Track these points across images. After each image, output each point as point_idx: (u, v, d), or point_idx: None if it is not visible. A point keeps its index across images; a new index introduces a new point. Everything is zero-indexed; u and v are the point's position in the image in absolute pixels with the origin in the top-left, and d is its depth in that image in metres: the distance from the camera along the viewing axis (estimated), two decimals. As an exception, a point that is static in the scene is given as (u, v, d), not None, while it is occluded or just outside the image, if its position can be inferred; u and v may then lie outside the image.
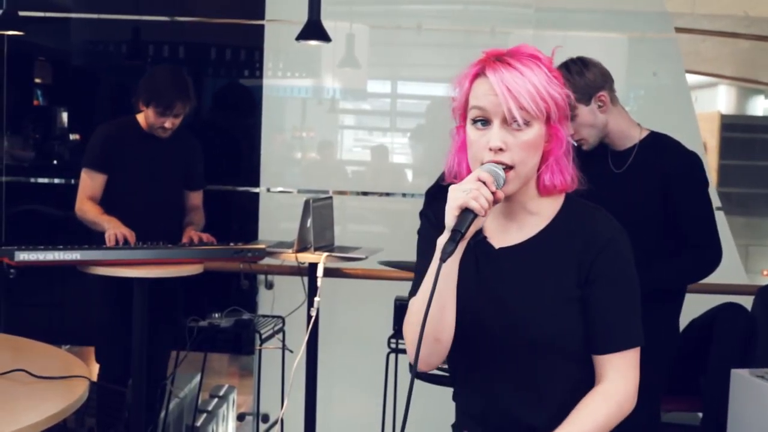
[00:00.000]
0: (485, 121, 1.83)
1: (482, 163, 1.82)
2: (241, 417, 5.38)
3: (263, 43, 5.44)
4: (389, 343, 4.16)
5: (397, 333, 4.21)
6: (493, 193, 1.76)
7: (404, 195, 5.46)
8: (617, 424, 1.85)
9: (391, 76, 5.78)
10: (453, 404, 3.15)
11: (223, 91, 5.78)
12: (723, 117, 6.27)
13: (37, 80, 6.02)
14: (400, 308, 4.27)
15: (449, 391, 3.06)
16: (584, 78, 3.22)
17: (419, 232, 2.05)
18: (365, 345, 4.82)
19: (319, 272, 3.98)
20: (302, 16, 4.59)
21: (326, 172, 5.67)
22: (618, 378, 1.85)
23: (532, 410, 1.90)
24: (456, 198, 1.76)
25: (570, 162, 1.91)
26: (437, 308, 1.81)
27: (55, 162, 5.86)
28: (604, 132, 3.23)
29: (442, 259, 1.73)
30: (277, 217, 5.45)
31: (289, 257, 4.08)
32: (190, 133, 4.45)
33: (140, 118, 4.26)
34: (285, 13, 5.30)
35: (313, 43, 4.71)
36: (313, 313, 3.95)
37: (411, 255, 3.61)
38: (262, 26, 5.41)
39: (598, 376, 1.88)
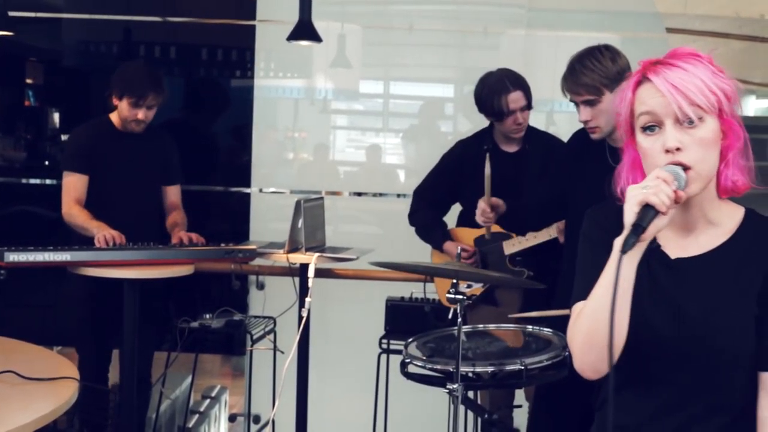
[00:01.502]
0: (655, 126, 1.78)
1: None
2: (232, 418, 5.38)
3: (254, 44, 5.43)
4: (380, 343, 4.16)
5: (388, 333, 4.20)
6: (674, 192, 1.70)
7: (397, 195, 5.46)
8: None
9: (384, 77, 5.78)
10: (445, 404, 3.16)
11: (214, 92, 5.77)
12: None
13: (29, 81, 6.01)
14: (392, 309, 4.28)
15: (438, 391, 3.07)
16: (617, 65, 3.19)
17: (587, 236, 1.97)
18: (356, 345, 4.81)
19: (311, 273, 3.97)
20: (294, 17, 4.59)
21: (319, 173, 5.66)
22: None
23: (700, 422, 1.84)
24: (635, 195, 1.69)
25: (748, 159, 1.83)
26: (625, 314, 1.75)
27: (46, 163, 5.85)
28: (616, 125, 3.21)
29: (623, 251, 1.66)
30: (269, 218, 5.45)
31: (280, 258, 4.08)
32: (163, 130, 4.48)
33: (113, 117, 4.29)
34: (276, 14, 5.30)
35: (304, 43, 4.71)
36: (305, 314, 3.95)
37: (402, 256, 3.63)
38: (253, 26, 5.40)
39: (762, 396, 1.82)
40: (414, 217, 4.25)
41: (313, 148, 5.73)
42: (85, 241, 4.02)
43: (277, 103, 5.70)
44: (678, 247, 1.86)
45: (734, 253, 1.84)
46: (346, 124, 5.93)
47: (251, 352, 4.46)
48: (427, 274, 3.90)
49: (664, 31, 5.25)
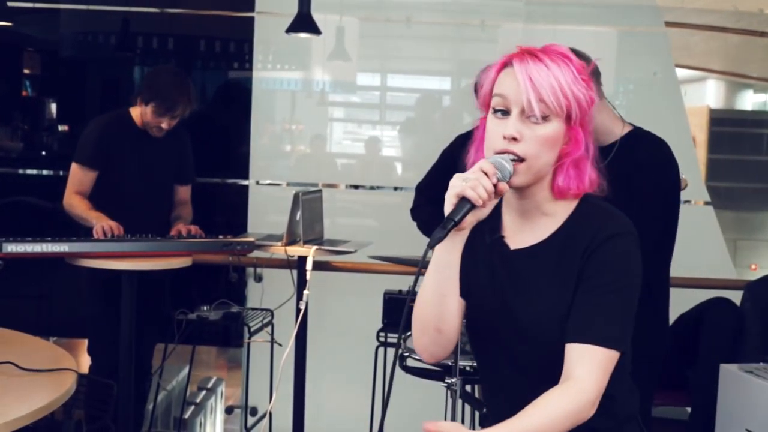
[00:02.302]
0: (505, 111, 1.81)
1: (495, 153, 1.80)
2: (229, 410, 5.38)
3: (253, 36, 5.42)
4: (378, 336, 4.16)
5: (386, 326, 4.20)
6: (495, 185, 1.75)
7: (395, 188, 5.46)
8: (573, 425, 1.75)
9: (381, 69, 5.78)
10: (443, 397, 3.17)
11: (212, 84, 5.76)
12: (712, 111, 6.28)
13: (26, 71, 6.00)
14: (389, 302, 4.27)
15: (436, 384, 3.08)
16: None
17: None
18: (354, 338, 4.82)
19: (308, 265, 3.97)
20: (292, 9, 4.59)
21: (316, 165, 5.66)
22: (584, 375, 1.75)
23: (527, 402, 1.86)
24: (454, 186, 1.76)
25: (590, 168, 1.87)
26: (437, 297, 1.85)
27: (43, 153, 5.84)
28: (594, 127, 3.20)
29: (429, 246, 1.74)
30: (267, 210, 5.45)
31: (278, 250, 4.08)
32: (181, 127, 4.43)
33: (134, 112, 4.20)
34: (275, 6, 5.29)
35: (303, 35, 4.71)
36: (302, 306, 3.95)
37: (400, 248, 3.63)
38: (251, 18, 5.39)
39: (565, 369, 1.78)
40: (416, 213, 4.25)
41: (311, 140, 5.72)
42: (84, 232, 4.01)
43: (275, 95, 5.69)
44: (517, 238, 1.91)
45: (560, 241, 1.87)
46: (344, 116, 5.93)
47: (248, 344, 4.47)
48: (426, 267, 3.89)
49: (663, 24, 5.26)
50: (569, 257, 1.85)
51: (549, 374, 1.82)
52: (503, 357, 1.91)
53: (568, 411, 1.73)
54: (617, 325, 1.80)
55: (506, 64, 1.84)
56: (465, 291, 1.91)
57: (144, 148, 4.22)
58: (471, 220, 1.78)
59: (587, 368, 1.75)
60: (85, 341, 4.41)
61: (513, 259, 1.90)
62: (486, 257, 1.92)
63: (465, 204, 1.74)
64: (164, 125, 4.12)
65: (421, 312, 1.89)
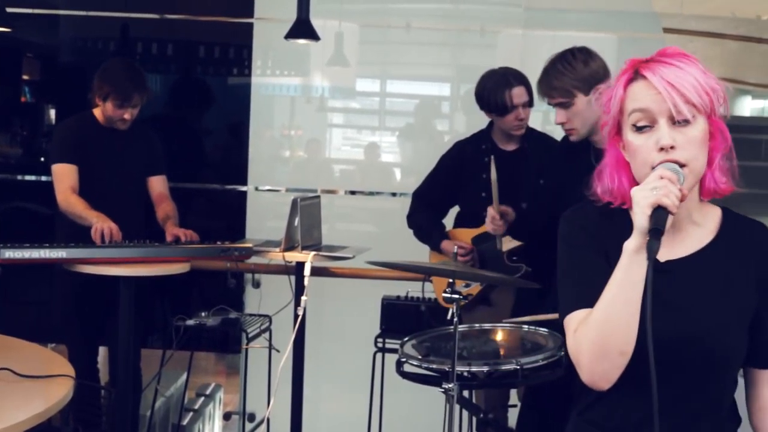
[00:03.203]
0: (647, 126, 1.77)
1: (653, 167, 1.74)
2: (227, 416, 5.37)
3: (252, 41, 5.43)
4: (376, 342, 4.16)
5: (384, 332, 4.20)
6: (680, 190, 1.69)
7: (393, 194, 5.46)
8: None
9: (381, 75, 5.78)
10: (440, 403, 3.16)
11: (209, 89, 5.76)
12: (711, 117, 6.27)
13: (25, 77, 6.00)
14: (387, 307, 4.28)
15: (434, 390, 3.07)
16: (589, 67, 3.20)
17: (570, 241, 1.92)
18: (352, 344, 4.81)
19: (307, 271, 3.97)
20: (291, 15, 4.59)
21: (315, 171, 5.66)
22: None
23: (690, 424, 1.85)
24: (646, 197, 1.67)
25: (733, 162, 1.83)
26: (625, 317, 1.72)
27: (42, 159, 5.84)
28: (594, 126, 3.20)
29: (650, 259, 1.64)
30: (265, 216, 5.45)
31: (276, 256, 4.08)
32: (145, 124, 4.52)
33: (97, 112, 4.31)
34: (274, 12, 5.29)
35: (301, 41, 4.71)
36: (300, 312, 3.94)
37: (398, 255, 3.63)
38: (251, 24, 5.40)
39: (758, 396, 1.86)
40: (412, 219, 4.25)
41: (310, 146, 5.72)
42: (82, 239, 4.01)
43: (274, 100, 5.69)
44: (666, 249, 1.81)
45: (720, 252, 1.84)
46: (343, 122, 5.93)
47: (247, 350, 4.46)
48: (424, 273, 3.90)
49: (661, 31, 5.26)
50: (736, 268, 1.83)
51: (711, 394, 1.82)
52: (663, 378, 1.74)
53: None
54: None
55: (631, 78, 1.80)
56: None
57: (110, 145, 4.30)
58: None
59: None
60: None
61: (669, 269, 1.84)
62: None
63: (662, 213, 1.67)
64: (127, 116, 4.21)
65: (602, 336, 1.74)
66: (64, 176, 4.22)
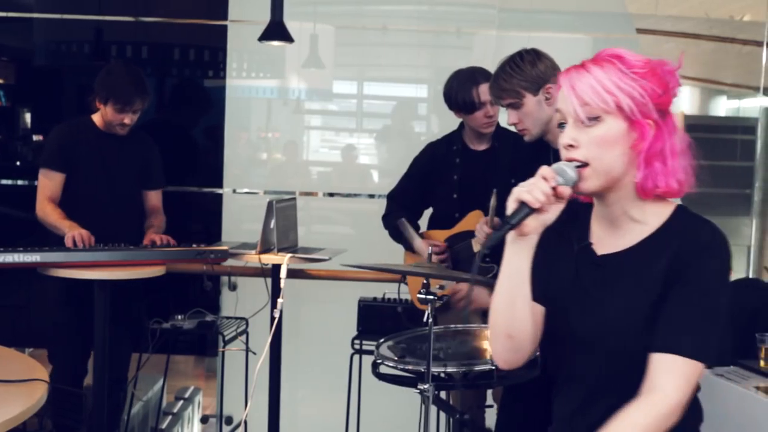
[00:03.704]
0: (565, 124, 1.87)
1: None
2: (204, 419, 5.36)
3: (226, 44, 5.42)
4: (353, 343, 4.16)
5: (361, 334, 4.20)
6: (554, 188, 1.77)
7: (371, 196, 5.46)
8: None
9: (357, 77, 5.78)
10: (417, 404, 3.17)
11: (185, 91, 5.74)
12: (686, 117, 6.32)
13: (0, 81, 5.97)
14: (364, 309, 4.28)
15: (411, 391, 3.07)
16: (536, 68, 3.24)
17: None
18: (329, 346, 4.81)
19: (283, 273, 3.97)
20: (266, 17, 4.59)
21: (292, 173, 5.66)
22: (668, 386, 1.76)
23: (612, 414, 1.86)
24: (514, 191, 1.78)
25: (677, 164, 1.84)
26: (506, 303, 1.87)
27: (18, 163, 5.80)
28: (547, 126, 3.25)
29: (484, 246, 1.79)
30: (242, 219, 5.44)
31: (252, 258, 4.07)
32: (146, 133, 4.44)
33: (96, 117, 4.26)
34: (248, 14, 5.29)
35: (275, 43, 4.71)
36: (277, 315, 3.94)
37: (375, 256, 3.63)
38: (225, 27, 5.39)
39: (647, 378, 1.80)
40: (387, 220, 4.26)
41: (287, 148, 5.72)
42: (57, 242, 4.00)
43: (250, 103, 5.69)
44: (605, 244, 1.92)
45: (654, 248, 1.86)
46: (320, 124, 5.93)
47: (223, 353, 4.45)
48: (398, 274, 3.90)
49: (635, 31, 5.29)
50: (658, 263, 1.84)
51: (625, 380, 1.84)
52: (581, 363, 1.91)
53: (651, 425, 1.76)
54: (709, 333, 1.79)
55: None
56: (547, 297, 1.93)
57: (106, 151, 4.25)
58: (535, 225, 1.80)
59: (674, 381, 1.77)
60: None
61: (598, 264, 1.91)
62: (572, 264, 1.93)
63: (523, 208, 1.77)
64: (127, 120, 4.16)
65: (492, 319, 1.91)
66: (44, 184, 4.20)
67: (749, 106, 5.91)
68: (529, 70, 3.25)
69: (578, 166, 1.81)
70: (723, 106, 6.33)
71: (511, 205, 1.79)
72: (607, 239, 1.91)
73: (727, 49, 5.67)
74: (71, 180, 4.22)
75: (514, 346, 1.89)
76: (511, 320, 1.87)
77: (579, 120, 1.82)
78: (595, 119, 1.81)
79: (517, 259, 1.84)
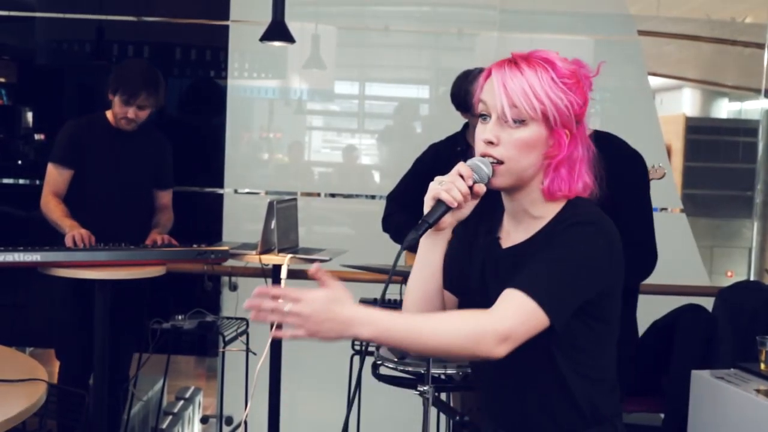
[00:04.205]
0: (487, 116, 1.87)
1: (478, 155, 1.88)
2: (204, 419, 5.36)
3: (228, 44, 5.42)
4: (353, 344, 4.15)
5: (362, 335, 4.19)
6: (471, 187, 1.82)
7: (373, 197, 5.46)
8: (467, 349, 1.74)
9: (359, 78, 5.79)
10: (417, 406, 3.17)
11: (188, 91, 5.75)
12: (688, 119, 6.31)
13: (1, 80, 5.98)
14: (364, 310, 4.26)
15: (411, 392, 3.08)
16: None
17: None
18: (329, 347, 4.76)
19: (283, 274, 3.97)
20: (267, 17, 4.59)
21: (294, 174, 5.66)
22: (502, 312, 1.75)
23: (517, 404, 1.93)
24: (431, 189, 1.84)
25: (584, 171, 1.89)
26: (419, 294, 1.95)
27: (19, 162, 5.81)
28: None
29: (403, 247, 1.80)
30: (243, 219, 5.44)
31: (253, 259, 4.07)
32: (161, 132, 4.43)
33: (109, 114, 4.25)
34: (250, 14, 5.29)
35: (277, 44, 4.71)
36: (277, 315, 3.93)
37: (376, 257, 3.62)
38: (227, 27, 5.40)
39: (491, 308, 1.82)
40: (387, 222, 4.24)
41: (288, 148, 5.72)
42: (56, 241, 3.99)
43: (252, 103, 5.69)
44: (509, 238, 1.95)
45: (541, 239, 1.89)
46: (322, 124, 5.93)
47: (224, 353, 4.45)
48: (398, 275, 3.89)
49: (636, 33, 5.29)
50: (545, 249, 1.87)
51: (528, 372, 1.87)
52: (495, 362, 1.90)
53: (467, 330, 1.73)
54: (554, 290, 1.78)
55: (490, 72, 1.89)
56: (459, 288, 1.99)
57: (118, 148, 4.23)
58: (450, 220, 1.87)
59: (509, 310, 1.76)
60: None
61: (500, 257, 1.94)
62: (480, 256, 1.96)
63: (440, 206, 1.82)
64: (130, 114, 4.13)
65: (406, 310, 1.97)
66: (51, 180, 4.19)
67: (751, 108, 5.92)
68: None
69: (493, 163, 1.84)
70: (725, 108, 6.33)
71: (428, 203, 1.84)
72: (513, 233, 1.95)
73: (728, 50, 5.67)
74: (80, 175, 4.21)
75: None
76: (418, 309, 1.94)
77: (504, 119, 1.84)
78: (520, 122, 1.83)
79: (431, 253, 1.92)
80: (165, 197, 4.43)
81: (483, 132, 1.87)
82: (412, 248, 4.13)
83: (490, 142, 1.85)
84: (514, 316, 1.74)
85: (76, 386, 3.99)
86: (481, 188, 1.84)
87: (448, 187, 1.81)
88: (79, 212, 4.08)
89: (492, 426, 2.00)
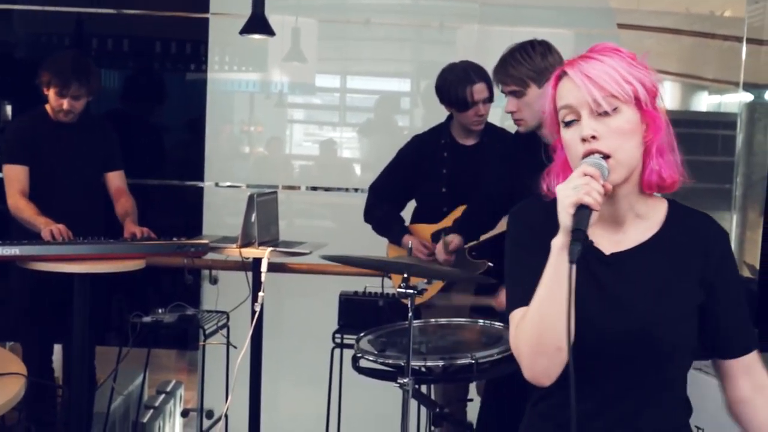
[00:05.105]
0: (575, 120, 1.80)
1: (582, 158, 1.77)
2: (185, 413, 5.35)
3: (208, 37, 5.40)
4: (334, 337, 4.15)
5: (342, 328, 4.20)
6: (603, 186, 1.71)
7: (355, 190, 5.46)
8: None
9: (340, 71, 5.78)
10: (397, 398, 3.17)
11: (166, 84, 5.72)
12: (668, 113, 6.33)
13: (-21, 73, 5.93)
14: (345, 303, 4.27)
15: (392, 385, 3.07)
16: (546, 60, 3.24)
17: (515, 239, 1.94)
18: (310, 340, 4.80)
19: (263, 267, 3.96)
20: (247, 10, 4.58)
21: (275, 167, 5.65)
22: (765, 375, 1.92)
23: (647, 413, 1.86)
24: (568, 196, 1.69)
25: (676, 155, 1.83)
26: (558, 315, 1.69)
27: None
28: (542, 119, 3.23)
29: (572, 261, 1.65)
30: (224, 212, 5.43)
31: (233, 252, 4.07)
32: (101, 119, 4.48)
33: (48, 107, 4.29)
34: (230, 7, 5.28)
35: (257, 36, 4.70)
36: (258, 308, 3.93)
37: (357, 250, 3.62)
38: (206, 19, 5.38)
39: (735, 379, 1.93)
40: (370, 213, 4.25)
41: (269, 142, 5.71)
42: (33, 235, 3.98)
43: (232, 96, 5.67)
44: (610, 242, 1.86)
45: (666, 243, 1.86)
46: (303, 118, 5.92)
47: (204, 347, 4.44)
48: (378, 269, 3.89)
49: (616, 27, 5.31)
50: (682, 260, 1.85)
51: (644, 380, 1.82)
52: (609, 370, 1.83)
53: None
54: (752, 326, 1.91)
55: (559, 77, 1.84)
56: None
57: (63, 139, 4.28)
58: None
59: (762, 370, 1.91)
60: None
61: (615, 261, 1.86)
62: (579, 265, 1.72)
63: (585, 211, 1.68)
64: (65, 106, 4.17)
65: (540, 333, 1.75)
66: (13, 179, 4.20)
67: (730, 101, 5.94)
68: (539, 61, 3.24)
69: (602, 158, 1.76)
70: (704, 102, 6.34)
71: (567, 211, 1.69)
72: (611, 237, 1.86)
73: (708, 44, 5.68)
74: (33, 170, 4.24)
75: (563, 358, 1.73)
76: (561, 332, 1.69)
77: (597, 110, 1.76)
78: (614, 109, 1.76)
79: (564, 266, 1.69)
80: (116, 179, 4.46)
81: (579, 132, 1.77)
82: (396, 242, 4.14)
83: (593, 137, 1.76)
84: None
85: (39, 374, 3.99)
86: (609, 186, 1.73)
87: (588, 190, 1.67)
88: (39, 208, 4.08)
89: None
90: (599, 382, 1.84)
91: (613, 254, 1.86)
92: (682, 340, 1.83)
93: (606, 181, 1.72)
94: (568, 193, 1.69)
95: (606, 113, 1.76)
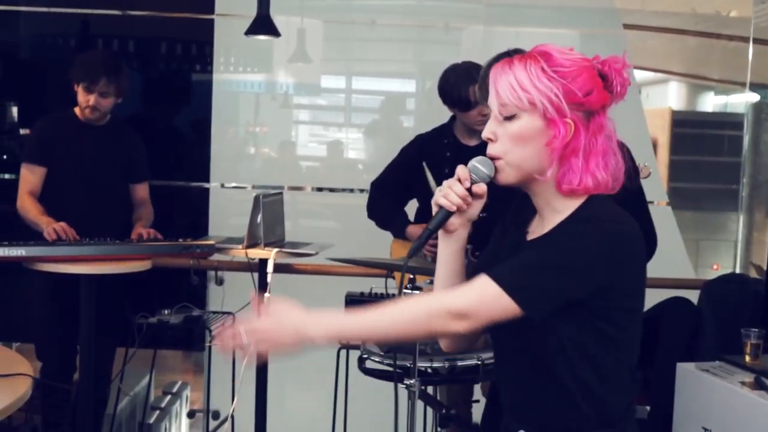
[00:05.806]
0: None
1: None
2: (191, 414, 5.35)
3: (213, 38, 5.41)
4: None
5: (348, 329, 4.19)
6: (469, 188, 1.87)
7: (360, 191, 5.46)
8: (422, 326, 1.84)
9: (346, 72, 5.78)
10: (403, 400, 3.17)
11: (172, 85, 5.73)
12: (674, 113, 6.33)
13: (-14, 74, 5.94)
14: (351, 304, 4.26)
15: (391, 386, 3.07)
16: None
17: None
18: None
19: (269, 268, 3.96)
20: (252, 11, 4.59)
21: (281, 168, 5.65)
22: (458, 289, 1.86)
23: (535, 402, 1.94)
24: (434, 196, 1.90)
25: (598, 164, 1.87)
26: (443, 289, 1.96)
27: (5, 157, 5.78)
28: None
29: (409, 255, 1.91)
30: (230, 213, 5.43)
31: (239, 253, 4.07)
32: (129, 126, 4.44)
33: (77, 110, 4.25)
34: (235, 8, 5.28)
35: (262, 37, 4.70)
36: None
37: (362, 251, 3.63)
38: (212, 20, 5.38)
39: None
40: (372, 208, 4.24)
41: (275, 143, 5.71)
42: (41, 236, 3.98)
43: (238, 97, 5.68)
44: (535, 232, 1.97)
45: (554, 234, 1.88)
46: (308, 119, 5.92)
47: (210, 347, 4.44)
48: (383, 269, 3.89)
49: (621, 27, 5.31)
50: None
51: (542, 372, 1.89)
52: (505, 348, 1.99)
53: (421, 308, 1.84)
54: (526, 280, 1.81)
55: None
56: None
57: (87, 143, 4.25)
58: (459, 222, 1.93)
59: (469, 290, 1.84)
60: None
61: (527, 248, 1.94)
62: (507, 251, 1.97)
63: (441, 211, 1.88)
64: (92, 101, 4.14)
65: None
66: (25, 180, 4.20)
67: (736, 101, 5.93)
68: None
69: (492, 159, 1.89)
70: (710, 102, 6.34)
71: (434, 209, 1.89)
72: (538, 228, 1.96)
73: (713, 44, 5.68)
74: (52, 173, 4.22)
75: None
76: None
77: (497, 116, 1.88)
78: (511, 116, 1.86)
79: (449, 252, 1.96)
80: (141, 191, 4.44)
81: (483, 130, 1.92)
82: (400, 234, 4.13)
83: (489, 139, 1.89)
84: (472, 296, 1.81)
85: (60, 378, 3.98)
86: (480, 188, 1.88)
87: (445, 193, 1.87)
88: (54, 210, 4.07)
89: (512, 422, 2.00)
90: (499, 359, 2.04)
91: (529, 240, 1.96)
92: (553, 333, 1.85)
93: (487, 182, 1.88)
94: (436, 193, 1.90)
95: (507, 118, 1.87)
